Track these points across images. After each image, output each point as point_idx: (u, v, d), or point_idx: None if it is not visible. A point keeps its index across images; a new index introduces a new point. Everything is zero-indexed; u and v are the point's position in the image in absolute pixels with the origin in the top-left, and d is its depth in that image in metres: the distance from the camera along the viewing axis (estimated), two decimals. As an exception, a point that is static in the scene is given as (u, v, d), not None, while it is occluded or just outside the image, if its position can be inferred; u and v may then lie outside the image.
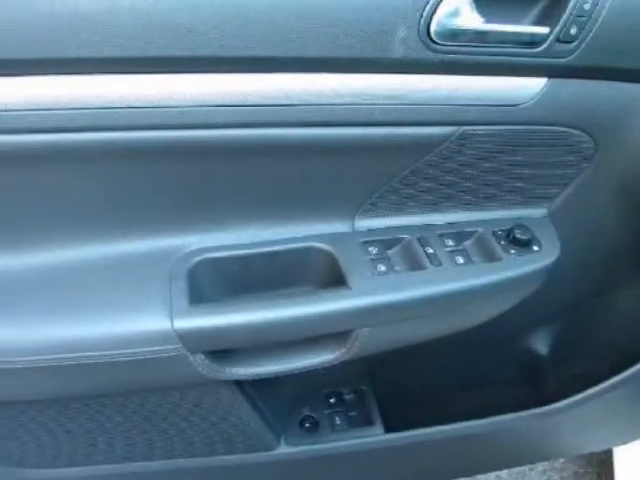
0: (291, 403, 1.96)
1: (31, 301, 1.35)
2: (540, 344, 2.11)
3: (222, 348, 1.43)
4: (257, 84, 1.23)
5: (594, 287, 1.87)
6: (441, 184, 1.46)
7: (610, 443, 2.34)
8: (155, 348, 1.34)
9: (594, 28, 1.25)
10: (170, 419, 1.63)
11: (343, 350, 1.48)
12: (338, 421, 1.93)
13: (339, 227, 1.51)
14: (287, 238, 1.48)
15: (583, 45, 1.27)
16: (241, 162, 1.35)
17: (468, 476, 2.47)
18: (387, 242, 1.49)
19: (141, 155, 1.28)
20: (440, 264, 1.46)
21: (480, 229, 1.53)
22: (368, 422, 1.94)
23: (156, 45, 1.13)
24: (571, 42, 1.26)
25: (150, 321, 1.34)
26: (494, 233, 1.52)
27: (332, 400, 2.00)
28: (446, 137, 1.36)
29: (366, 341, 1.45)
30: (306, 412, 1.94)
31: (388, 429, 1.91)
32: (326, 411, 1.96)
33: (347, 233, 1.51)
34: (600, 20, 1.24)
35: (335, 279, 1.44)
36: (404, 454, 1.95)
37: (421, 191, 1.47)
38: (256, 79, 1.22)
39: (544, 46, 1.26)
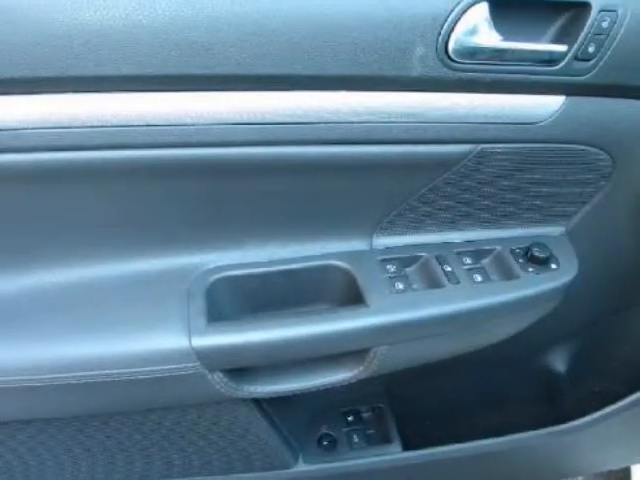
0: (309, 421, 1.94)
1: (49, 319, 1.35)
2: (558, 362, 2.09)
3: (240, 366, 1.42)
4: (275, 102, 1.22)
5: (612, 305, 1.85)
6: (459, 202, 1.45)
7: (628, 461, 2.32)
8: (173, 366, 1.33)
9: (612, 46, 1.24)
10: (188, 437, 1.62)
11: (361, 368, 1.47)
12: (356, 439, 1.92)
13: (357, 245, 1.50)
14: (305, 256, 1.47)
15: (601, 63, 1.26)
16: (259, 180, 1.34)
17: (486, 494, 2.45)
18: (405, 260, 1.49)
19: (159, 173, 1.28)
20: (458, 282, 1.45)
21: (498, 247, 1.52)
22: (386, 440, 1.92)
23: (174, 63, 1.13)
24: (589, 60, 1.25)
25: (168, 339, 1.33)
26: (512, 251, 1.51)
27: (350, 418, 1.98)
28: (464, 155, 1.35)
29: (384, 359, 1.44)
30: (324, 430, 1.93)
31: (406, 447, 1.90)
32: (344, 429, 1.95)
33: (365, 251, 1.50)
34: (618, 38, 1.23)
35: (353, 297, 1.43)
36: (422, 472, 1.94)
37: (439, 209, 1.46)
38: (274, 97, 1.22)
39: (562, 64, 1.25)
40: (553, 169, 1.42)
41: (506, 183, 1.43)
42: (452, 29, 1.18)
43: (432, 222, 1.49)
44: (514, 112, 1.32)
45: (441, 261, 1.48)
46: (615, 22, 1.22)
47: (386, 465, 1.87)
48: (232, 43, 1.13)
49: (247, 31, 1.12)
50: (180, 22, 1.10)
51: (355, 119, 1.26)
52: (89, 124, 1.18)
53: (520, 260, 1.50)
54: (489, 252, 1.52)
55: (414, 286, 1.46)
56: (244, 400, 1.54)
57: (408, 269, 1.48)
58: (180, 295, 1.39)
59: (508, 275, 1.49)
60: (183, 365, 1.34)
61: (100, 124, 1.18)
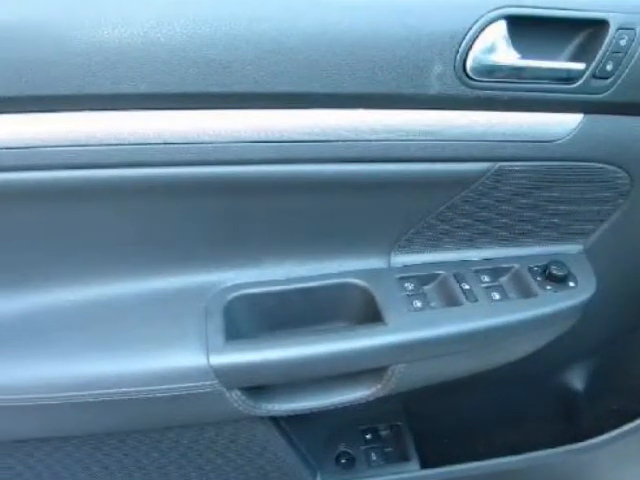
0: (327, 439, 1.93)
1: (67, 337, 1.34)
2: (576, 379, 2.07)
3: (258, 384, 1.41)
4: (292, 120, 1.22)
5: (630, 323, 1.83)
6: (477, 220, 1.44)
7: (646, 479, 2.30)
8: (191, 384, 1.33)
9: (630, 64, 1.23)
10: (206, 455, 1.62)
11: (379, 386, 1.46)
12: (374, 457, 1.91)
13: (375, 263, 1.49)
14: (323, 274, 1.47)
15: (619, 81, 1.25)
16: (277, 198, 1.34)
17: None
18: (423, 278, 1.48)
19: (177, 191, 1.28)
20: (476, 300, 1.44)
21: (516, 265, 1.51)
22: (404, 458, 1.91)
23: (191, 81, 1.13)
24: (607, 78, 1.24)
25: (186, 357, 1.32)
26: (530, 269, 1.50)
27: (368, 436, 1.97)
28: (482, 173, 1.34)
29: (402, 377, 1.43)
30: (342, 448, 1.92)
31: (424, 465, 1.89)
32: (362, 447, 1.94)
33: (383, 269, 1.49)
34: (636, 56, 1.22)
35: (371, 315, 1.42)
36: (440, 490, 1.93)
37: (457, 227, 1.45)
38: (291, 115, 1.22)
39: (580, 82, 1.24)
40: (571, 187, 1.41)
41: (524, 201, 1.43)
42: (470, 47, 1.17)
43: (450, 240, 1.48)
44: (532, 130, 1.31)
45: (459, 279, 1.47)
46: (633, 40, 1.21)
47: None
48: (250, 61, 1.12)
49: (265, 49, 1.12)
50: (198, 40, 1.10)
51: (373, 137, 1.25)
52: (106, 142, 1.18)
53: (538, 278, 1.49)
54: (507, 270, 1.51)
55: (432, 304, 1.45)
56: (262, 418, 1.53)
57: (426, 287, 1.48)
58: (198, 313, 1.38)
59: (526, 293, 1.48)
60: (201, 383, 1.33)
61: (118, 142, 1.18)
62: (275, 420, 1.60)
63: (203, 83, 1.13)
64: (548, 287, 1.48)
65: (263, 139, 1.21)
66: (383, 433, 1.99)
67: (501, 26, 1.17)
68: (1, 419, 1.36)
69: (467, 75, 1.19)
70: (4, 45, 1.08)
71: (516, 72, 1.21)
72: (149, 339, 1.35)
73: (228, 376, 1.33)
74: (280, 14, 1.12)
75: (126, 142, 1.18)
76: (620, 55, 1.22)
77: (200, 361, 1.31)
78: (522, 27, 1.18)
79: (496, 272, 1.50)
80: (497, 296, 1.46)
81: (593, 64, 1.22)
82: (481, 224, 1.46)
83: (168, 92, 1.13)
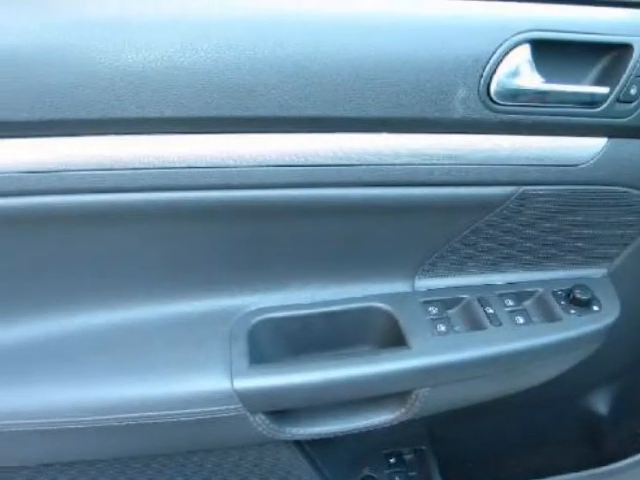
0: (351, 463, 1.92)
1: (92, 361, 1.34)
2: (600, 403, 2.05)
3: (282, 408, 1.40)
4: (316, 144, 1.21)
5: (654, 346, 1.82)
6: (501, 244, 1.43)
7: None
8: (215, 408, 1.32)
9: None
10: (230, 479, 1.60)
11: (403, 410, 1.44)
12: (398, 481, 1.89)
13: (399, 287, 1.48)
14: (347, 298, 1.46)
15: None
16: (301, 222, 1.33)
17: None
18: (447, 302, 1.47)
19: (201, 215, 1.27)
20: (500, 324, 1.42)
21: (540, 289, 1.49)
22: (428, 482, 1.90)
23: (216, 105, 1.12)
24: (631, 102, 1.23)
25: (210, 381, 1.32)
26: (554, 293, 1.49)
27: (392, 460, 1.96)
28: (506, 197, 1.33)
29: (426, 401, 1.42)
30: (366, 472, 1.91)
31: (448, 489, 1.87)
32: (386, 471, 1.92)
33: (407, 293, 1.48)
34: None
35: (395, 339, 1.41)
36: (464, 514, 1.91)
37: (481, 251, 1.44)
38: (315, 139, 1.21)
39: (604, 106, 1.23)
40: (595, 211, 1.39)
41: (548, 225, 1.41)
42: (494, 71, 1.16)
43: (474, 264, 1.47)
44: (556, 154, 1.30)
45: (483, 303, 1.45)
46: None
47: None
48: (274, 85, 1.12)
49: (289, 73, 1.12)
50: (222, 64, 1.10)
51: (397, 161, 1.24)
52: (131, 166, 1.17)
53: (562, 302, 1.48)
54: (531, 294, 1.50)
55: (456, 328, 1.44)
56: (286, 442, 1.52)
57: (450, 311, 1.46)
58: (222, 337, 1.37)
59: (550, 317, 1.46)
60: (225, 407, 1.32)
61: (142, 166, 1.18)
62: (299, 444, 1.59)
63: (227, 107, 1.13)
64: (572, 311, 1.47)
65: (287, 163, 1.21)
66: (407, 457, 1.97)
67: (525, 50, 1.16)
68: (27, 443, 1.36)
69: (491, 99, 1.19)
70: (29, 69, 1.07)
71: (540, 96, 1.20)
72: (173, 363, 1.34)
73: (252, 400, 1.32)
74: (304, 38, 1.12)
75: (150, 166, 1.18)
76: None
77: (224, 385, 1.30)
78: (546, 51, 1.18)
79: (520, 296, 1.49)
80: (521, 320, 1.44)
81: (617, 88, 1.21)
82: (505, 248, 1.45)
83: (192, 116, 1.13)
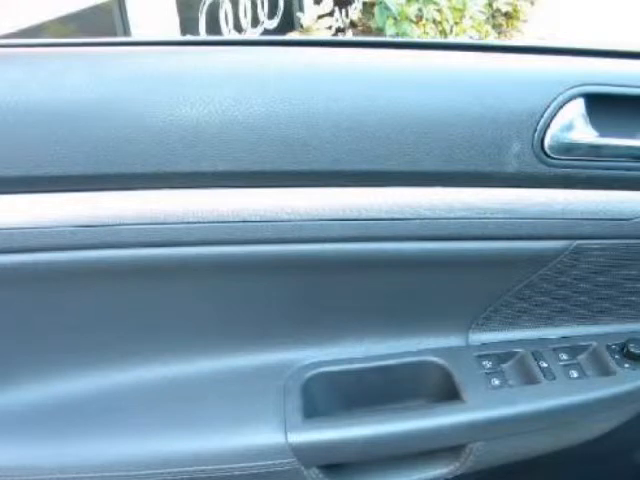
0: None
1: (145, 415, 1.33)
2: (656, 458, 1.99)
3: (336, 462, 1.37)
4: (371, 198, 1.20)
5: None
6: (555, 298, 1.40)
7: None
8: (269, 462, 1.29)
9: None
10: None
11: (457, 464, 1.40)
12: (452, 535, 1.84)
13: (453, 341, 1.45)
14: (401, 352, 1.43)
15: None
16: (355, 276, 1.31)
17: None
18: (501, 356, 1.43)
19: (255, 269, 1.26)
20: (554, 378, 1.38)
21: (594, 343, 1.45)
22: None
23: (270, 159, 1.11)
24: None
25: (264, 435, 1.29)
26: (608, 347, 1.45)
27: (445, 514, 1.90)
28: (560, 251, 1.30)
29: (480, 455, 1.38)
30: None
31: None
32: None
33: (461, 347, 1.45)
34: None
35: (449, 393, 1.38)
36: None
37: (535, 305, 1.41)
38: (369, 193, 1.19)
39: None
40: None
41: (602, 279, 1.38)
42: (548, 125, 1.14)
43: (528, 318, 1.44)
44: (610, 208, 1.27)
45: (537, 357, 1.42)
46: None
47: None
48: (328, 139, 1.11)
49: (343, 127, 1.11)
50: (276, 118, 1.09)
51: (451, 215, 1.22)
52: (185, 220, 1.17)
53: (616, 356, 1.44)
54: (585, 348, 1.46)
55: (510, 382, 1.40)
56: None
57: (504, 365, 1.43)
58: (276, 391, 1.35)
59: (604, 371, 1.42)
60: (279, 461, 1.29)
61: (196, 220, 1.17)
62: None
63: (281, 161, 1.11)
64: (626, 365, 1.42)
65: (341, 217, 1.19)
66: (461, 511, 1.92)
67: (579, 104, 1.14)
68: None
69: (545, 153, 1.16)
70: (84, 123, 1.08)
71: (594, 150, 1.18)
72: (227, 417, 1.32)
73: (306, 454, 1.30)
74: (358, 92, 1.11)
75: (204, 220, 1.17)
76: None
77: (278, 439, 1.28)
78: (600, 105, 1.16)
79: (574, 350, 1.45)
80: (575, 374, 1.40)
81: None
82: (559, 302, 1.41)
83: (246, 170, 1.12)
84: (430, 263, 1.30)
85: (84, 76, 1.10)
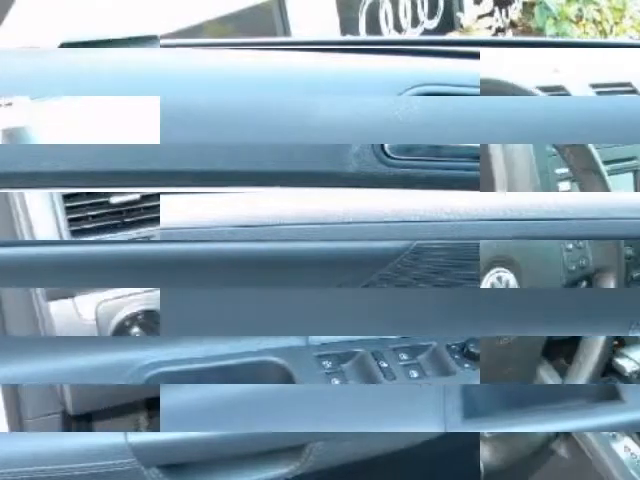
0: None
1: None
2: None
3: (176, 462, 1.36)
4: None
5: None
6: None
7: None
8: (109, 462, 1.27)
9: None
10: None
11: (297, 464, 1.40)
12: None
13: (293, 340, 1.45)
14: (242, 352, 1.43)
15: None
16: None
17: None
18: (341, 356, 1.45)
19: None
20: (394, 378, 1.40)
21: (434, 343, 1.48)
22: None
23: None
24: None
25: (102, 436, 1.31)
26: (448, 347, 1.48)
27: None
28: (401, 251, 1.34)
29: (320, 455, 1.38)
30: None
31: None
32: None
33: (301, 347, 1.46)
34: None
35: None
36: None
37: None
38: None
39: None
40: None
41: (442, 279, 1.42)
42: None
43: None
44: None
45: (377, 357, 1.44)
46: None
47: None
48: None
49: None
50: None
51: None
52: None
53: (456, 356, 1.47)
54: (425, 348, 1.48)
55: (350, 382, 1.41)
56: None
57: (344, 365, 1.44)
58: None
59: (444, 371, 1.45)
60: (119, 461, 1.28)
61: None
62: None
63: None
64: (466, 365, 1.45)
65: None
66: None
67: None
68: None
69: (385, 153, 1.22)
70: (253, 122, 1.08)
71: (434, 150, 1.25)
72: None
73: (146, 454, 1.29)
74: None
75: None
76: None
77: (118, 439, 1.27)
78: None
79: (414, 350, 1.47)
80: (415, 374, 1.42)
81: None
82: None
83: None
84: (266, 264, 1.30)
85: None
